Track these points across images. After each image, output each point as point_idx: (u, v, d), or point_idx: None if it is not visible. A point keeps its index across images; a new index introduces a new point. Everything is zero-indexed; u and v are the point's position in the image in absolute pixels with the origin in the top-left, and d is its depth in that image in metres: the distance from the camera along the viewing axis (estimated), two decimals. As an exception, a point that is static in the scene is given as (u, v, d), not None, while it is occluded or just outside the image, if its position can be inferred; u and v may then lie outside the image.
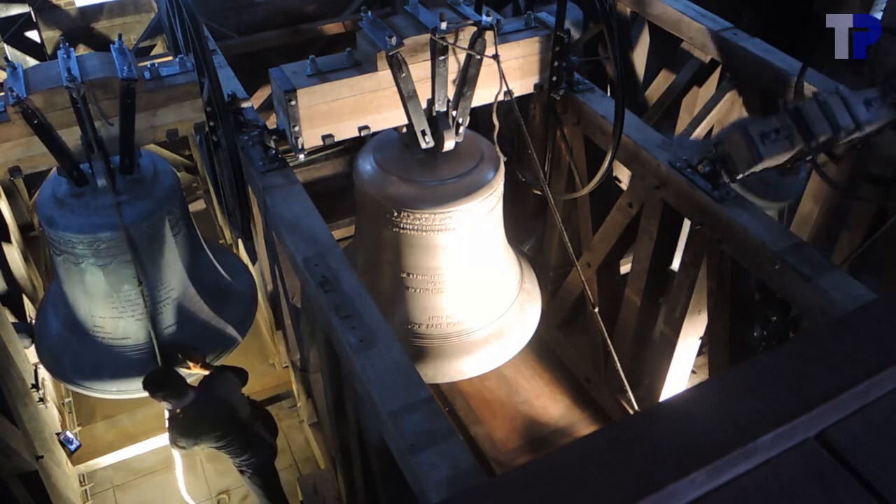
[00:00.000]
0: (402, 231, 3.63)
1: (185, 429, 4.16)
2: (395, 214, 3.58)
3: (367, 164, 3.73)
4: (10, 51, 6.12)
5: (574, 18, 4.95)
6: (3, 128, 3.22)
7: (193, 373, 4.17)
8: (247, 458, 4.47)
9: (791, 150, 3.34)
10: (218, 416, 4.23)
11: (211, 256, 4.37)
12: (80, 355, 4.07)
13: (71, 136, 3.33)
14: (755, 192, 3.65)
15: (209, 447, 4.37)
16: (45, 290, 5.90)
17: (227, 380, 4.33)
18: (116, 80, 3.25)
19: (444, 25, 3.28)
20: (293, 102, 3.32)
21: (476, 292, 3.92)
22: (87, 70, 3.27)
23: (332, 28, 6.46)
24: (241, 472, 4.60)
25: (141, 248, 3.71)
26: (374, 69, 3.39)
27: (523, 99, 4.19)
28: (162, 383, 4.02)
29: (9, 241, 5.39)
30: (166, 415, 4.28)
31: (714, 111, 4.85)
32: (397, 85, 3.35)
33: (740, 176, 3.35)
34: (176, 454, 4.91)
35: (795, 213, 4.44)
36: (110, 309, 3.91)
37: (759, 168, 3.38)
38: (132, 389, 4.06)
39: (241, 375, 4.47)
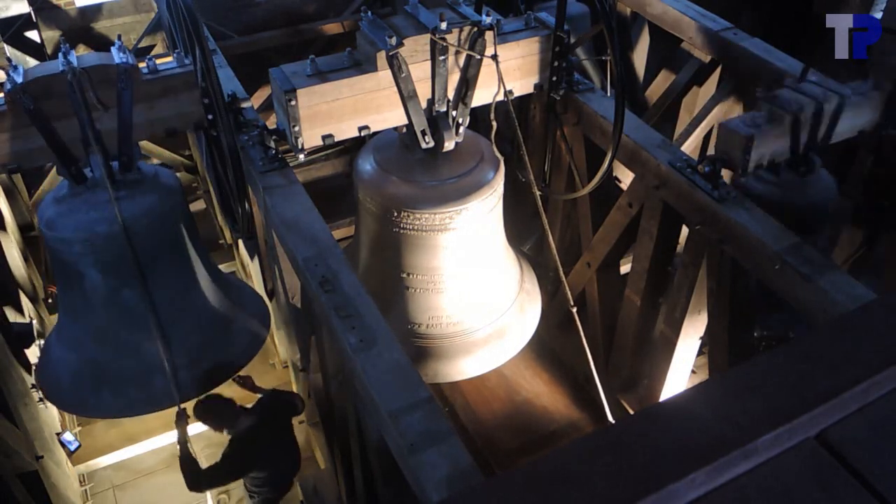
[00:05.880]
0: (402, 231, 3.63)
1: (234, 458, 3.91)
2: (395, 214, 3.58)
3: (367, 164, 3.72)
4: (10, 51, 6.12)
5: (579, 12, 4.93)
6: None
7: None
8: (264, 491, 4.33)
9: (782, 129, 3.34)
10: (273, 444, 4.01)
11: (216, 264, 4.29)
12: (79, 374, 3.81)
13: (69, 131, 3.29)
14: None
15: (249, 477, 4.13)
16: (45, 290, 5.93)
17: (287, 405, 4.16)
18: (113, 67, 3.23)
19: (444, 25, 3.27)
20: (293, 102, 3.32)
21: (476, 292, 3.92)
22: (85, 61, 3.25)
23: (332, 28, 6.47)
24: (250, 496, 4.42)
25: (141, 248, 3.63)
26: (374, 69, 3.39)
27: (523, 99, 4.19)
28: (211, 411, 3.90)
29: (9, 240, 5.39)
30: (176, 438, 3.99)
31: (714, 111, 4.85)
32: (397, 85, 3.35)
33: (746, 169, 3.34)
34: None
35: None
36: (112, 318, 3.71)
37: (763, 158, 3.36)
38: (135, 408, 3.85)
39: (298, 403, 4.25)
